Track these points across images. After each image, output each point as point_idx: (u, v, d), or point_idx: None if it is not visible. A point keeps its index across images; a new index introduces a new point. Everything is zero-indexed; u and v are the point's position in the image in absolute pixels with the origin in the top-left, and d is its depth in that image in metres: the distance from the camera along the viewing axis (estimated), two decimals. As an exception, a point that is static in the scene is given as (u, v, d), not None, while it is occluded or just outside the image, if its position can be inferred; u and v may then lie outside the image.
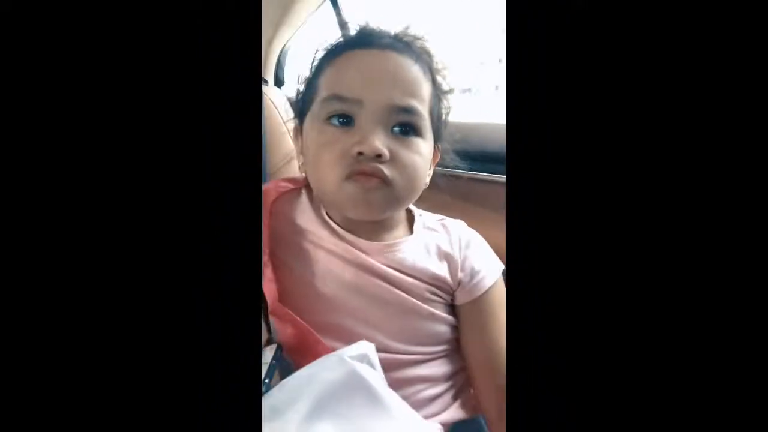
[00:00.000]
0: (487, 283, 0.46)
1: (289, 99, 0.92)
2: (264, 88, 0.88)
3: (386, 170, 0.39)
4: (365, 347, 0.33)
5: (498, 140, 0.68)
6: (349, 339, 0.38)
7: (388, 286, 0.42)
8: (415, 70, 0.42)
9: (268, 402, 0.29)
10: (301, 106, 0.47)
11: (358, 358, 0.32)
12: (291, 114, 0.87)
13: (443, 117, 0.48)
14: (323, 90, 0.42)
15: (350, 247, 0.43)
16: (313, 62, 0.46)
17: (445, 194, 0.53)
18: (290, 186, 0.50)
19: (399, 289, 0.43)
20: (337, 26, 0.92)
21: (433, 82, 0.45)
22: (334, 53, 0.44)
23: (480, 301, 0.45)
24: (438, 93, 0.46)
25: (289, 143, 0.86)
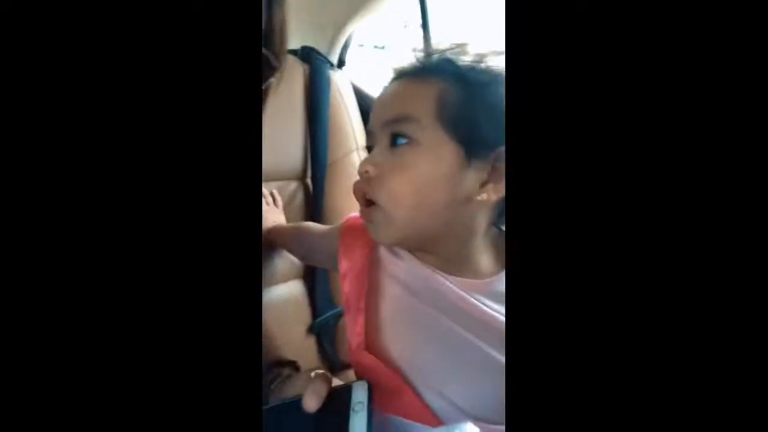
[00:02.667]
0: None
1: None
2: (330, 73, 0.84)
3: (370, 188, 0.39)
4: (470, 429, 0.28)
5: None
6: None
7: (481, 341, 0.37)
8: (409, 83, 0.40)
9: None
10: None
11: None
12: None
13: (492, 109, 0.37)
14: None
15: (443, 282, 0.38)
16: None
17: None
18: None
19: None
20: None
21: (463, 80, 0.38)
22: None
23: None
24: (473, 90, 0.38)
25: (349, 136, 0.84)
